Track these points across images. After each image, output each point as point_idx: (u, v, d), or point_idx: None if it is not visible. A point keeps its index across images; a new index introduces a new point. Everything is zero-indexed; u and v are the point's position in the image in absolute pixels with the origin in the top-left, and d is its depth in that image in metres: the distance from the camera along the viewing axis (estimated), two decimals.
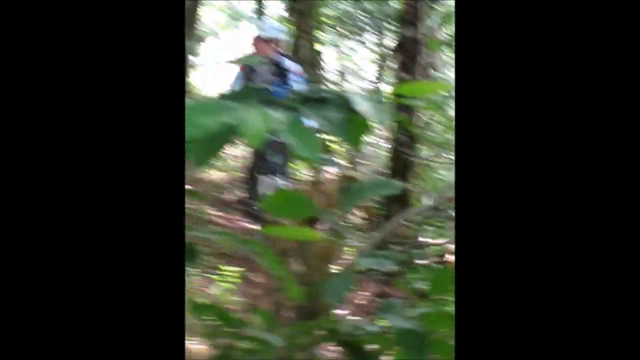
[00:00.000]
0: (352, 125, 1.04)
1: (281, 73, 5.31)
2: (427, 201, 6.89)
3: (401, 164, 6.34)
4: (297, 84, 5.31)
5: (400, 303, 1.26)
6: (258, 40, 5.38)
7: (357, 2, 10.10)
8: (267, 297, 3.68)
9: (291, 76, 5.35)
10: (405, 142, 6.32)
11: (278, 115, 0.98)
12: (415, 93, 1.13)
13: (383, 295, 4.36)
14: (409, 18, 6.25)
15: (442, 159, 7.23)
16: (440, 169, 7.37)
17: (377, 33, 10.48)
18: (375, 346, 1.25)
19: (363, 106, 1.03)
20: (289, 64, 5.42)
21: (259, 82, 5.29)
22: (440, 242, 5.55)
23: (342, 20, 10.41)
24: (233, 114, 0.95)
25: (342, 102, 1.05)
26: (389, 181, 2.29)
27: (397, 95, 1.15)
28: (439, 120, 7.21)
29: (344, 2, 10.32)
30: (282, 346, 1.27)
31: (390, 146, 6.53)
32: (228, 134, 0.96)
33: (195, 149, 0.97)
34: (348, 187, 1.22)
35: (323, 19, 9.69)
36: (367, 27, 10.35)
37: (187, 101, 0.97)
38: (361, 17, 10.25)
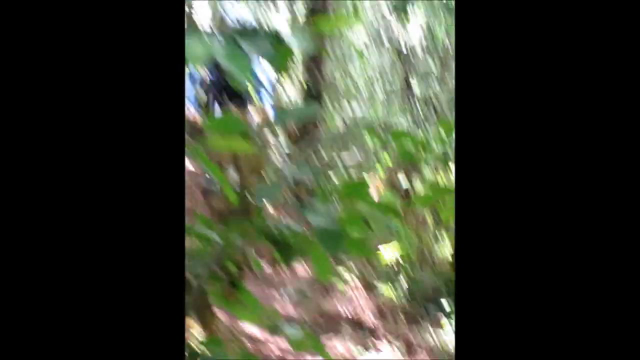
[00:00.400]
0: (278, 53, 1.03)
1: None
2: (339, 125, 6.90)
3: (317, 91, 6.25)
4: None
5: (319, 206, 1.24)
6: None
7: None
8: (207, 201, 3.63)
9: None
10: (320, 72, 6.24)
11: (217, 44, 0.96)
12: (331, 26, 1.11)
13: (306, 200, 4.37)
14: None
15: (352, 87, 7.22)
16: (349, 97, 7.36)
17: None
18: (298, 242, 1.24)
19: (288, 37, 1.03)
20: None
21: None
22: (351, 161, 5.60)
23: None
24: None
25: (271, 34, 1.03)
26: (309, 108, 2.24)
27: (316, 28, 1.13)
28: (349, 52, 7.17)
29: None
30: (221, 243, 1.24)
31: (308, 75, 6.41)
32: None
33: None
34: (276, 111, 1.20)
35: None
36: None
37: None
38: None
